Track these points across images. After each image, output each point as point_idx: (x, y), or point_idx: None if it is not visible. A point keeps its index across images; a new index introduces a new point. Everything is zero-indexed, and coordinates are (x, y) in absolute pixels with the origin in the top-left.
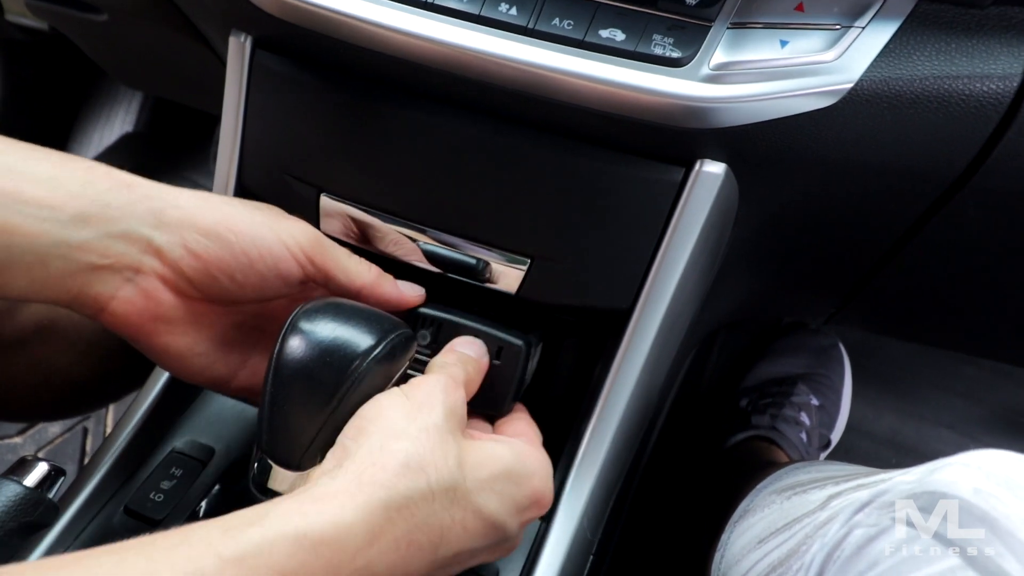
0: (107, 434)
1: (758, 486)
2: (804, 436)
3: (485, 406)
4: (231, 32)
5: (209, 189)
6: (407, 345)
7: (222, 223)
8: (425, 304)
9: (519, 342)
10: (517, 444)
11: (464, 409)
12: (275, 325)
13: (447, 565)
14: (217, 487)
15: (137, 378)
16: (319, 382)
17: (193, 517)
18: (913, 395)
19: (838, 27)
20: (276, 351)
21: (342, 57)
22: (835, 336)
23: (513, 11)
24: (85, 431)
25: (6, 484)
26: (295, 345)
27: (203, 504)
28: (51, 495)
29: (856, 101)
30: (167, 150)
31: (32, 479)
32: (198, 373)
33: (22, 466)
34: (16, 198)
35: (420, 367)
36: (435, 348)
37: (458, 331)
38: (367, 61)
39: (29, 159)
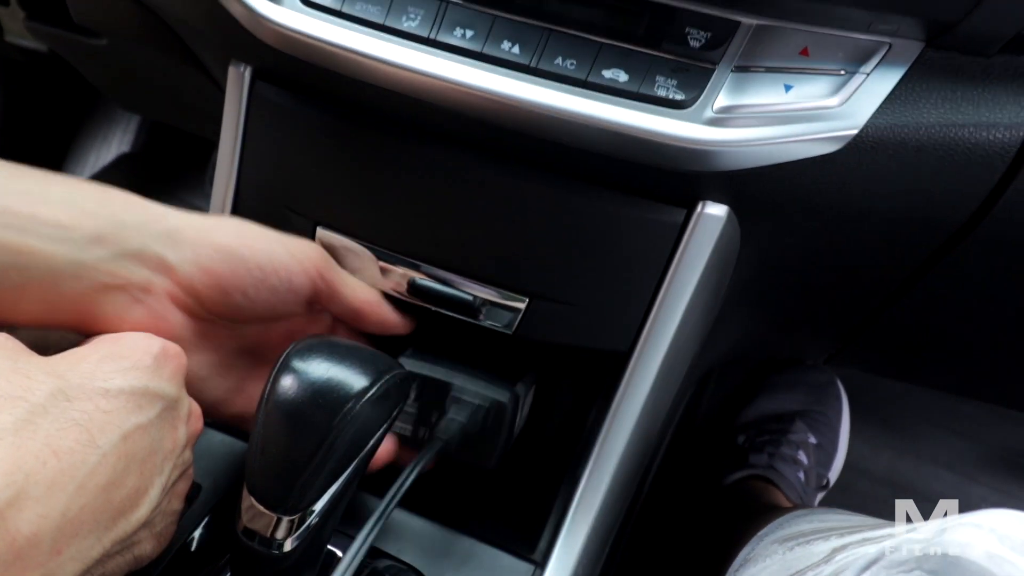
0: None
1: (759, 533)
2: (802, 475)
3: (474, 459)
4: (231, 62)
5: (205, 211)
6: (403, 386)
7: (236, 239)
8: (410, 356)
9: (503, 399)
10: (105, 337)
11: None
12: (274, 352)
13: (135, 454)
14: (208, 519)
15: None
16: (310, 423)
17: (184, 550)
18: (911, 433)
19: (843, 72)
20: (267, 390)
21: (342, 90)
22: (832, 372)
23: (516, 49)
24: None
25: None
26: (287, 385)
27: (196, 535)
28: None
29: (860, 148)
30: (163, 171)
31: None
32: (194, 396)
33: None
34: (32, 219)
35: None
36: (421, 403)
37: (441, 388)
38: (367, 95)
39: (44, 183)
